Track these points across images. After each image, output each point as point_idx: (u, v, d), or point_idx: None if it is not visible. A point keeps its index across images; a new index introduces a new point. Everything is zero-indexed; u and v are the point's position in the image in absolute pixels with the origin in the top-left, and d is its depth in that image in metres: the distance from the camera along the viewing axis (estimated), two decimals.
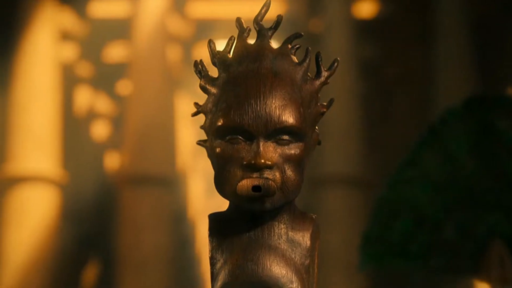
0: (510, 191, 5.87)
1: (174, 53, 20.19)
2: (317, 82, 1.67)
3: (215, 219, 1.44)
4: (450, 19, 17.20)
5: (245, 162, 1.43)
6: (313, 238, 1.51)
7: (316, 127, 1.65)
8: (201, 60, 1.58)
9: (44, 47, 17.19)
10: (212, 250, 1.42)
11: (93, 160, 21.32)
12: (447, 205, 5.95)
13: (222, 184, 1.45)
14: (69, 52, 20.03)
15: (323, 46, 17.42)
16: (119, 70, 20.55)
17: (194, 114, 1.62)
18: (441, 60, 16.84)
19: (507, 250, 5.59)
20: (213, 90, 1.50)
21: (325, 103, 1.74)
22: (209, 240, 1.48)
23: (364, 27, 19.08)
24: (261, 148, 1.45)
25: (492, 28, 18.63)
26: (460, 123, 6.09)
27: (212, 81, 1.52)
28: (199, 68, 1.55)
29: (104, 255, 20.72)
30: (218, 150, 1.45)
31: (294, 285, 1.36)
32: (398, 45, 20.03)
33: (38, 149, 16.74)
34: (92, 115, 22.53)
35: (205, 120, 1.56)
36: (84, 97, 21.89)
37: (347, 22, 17.53)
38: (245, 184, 1.41)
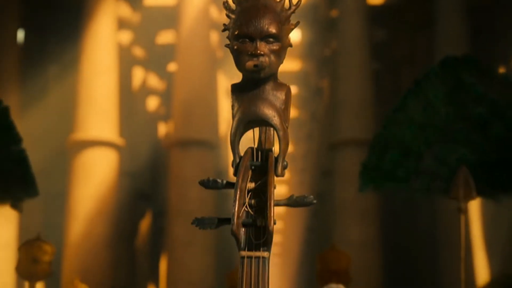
0: (474, 130, 6.40)
1: (215, 37, 20.12)
2: (289, 12, 2.01)
3: (234, 85, 2.01)
4: (449, 5, 16.95)
5: (249, 52, 1.96)
6: (286, 94, 1.99)
7: (289, 36, 2.04)
8: (227, 1, 2.09)
9: (105, 34, 17.18)
10: (233, 101, 1.99)
11: (147, 127, 21.33)
12: (426, 141, 6.49)
13: (238, 65, 1.97)
14: (126, 37, 20.06)
15: (339, 30, 17.56)
16: (168, 52, 20.52)
17: (223, 30, 2.06)
18: (441, 41, 16.51)
19: (470, 175, 6.05)
20: (232, 16, 2.02)
21: (293, 23, 2.06)
22: (231, 97, 2.02)
23: (375, 13, 18.80)
24: (258, 45, 1.96)
25: (485, 12, 18.57)
26: (437, 78, 6.62)
27: (232, 11, 2.04)
28: (226, 5, 2.04)
29: (157, 207, 20.80)
30: (235, 46, 1.97)
31: (275, 118, 1.94)
32: (405, 28, 19.82)
33: (101, 118, 16.79)
34: (145, 90, 22.45)
35: (228, 31, 2.04)
36: (138, 75, 21.86)
37: (360, 9, 17.12)
38: (250, 64, 1.94)
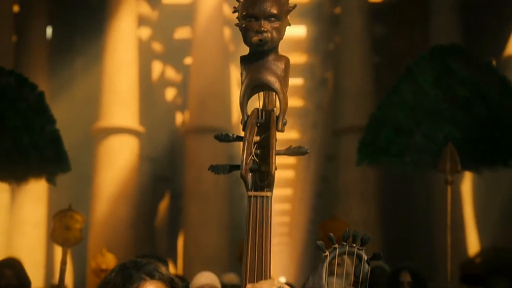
0: (459, 110, 6.54)
1: (228, 32, 20.11)
2: None
3: (243, 57, 2.19)
4: (444, 3, 16.99)
5: (255, 30, 2.12)
6: (285, 64, 2.15)
7: (288, 17, 2.19)
8: None
9: (127, 30, 17.21)
10: (241, 70, 2.17)
11: (165, 116, 21.36)
12: (417, 120, 6.63)
13: (246, 40, 2.13)
14: (145, 33, 20.13)
15: (342, 26, 17.55)
16: (184, 46, 20.69)
17: (234, 12, 2.23)
18: (436, 36, 16.20)
19: (456, 150, 6.25)
20: (242, 1, 2.17)
21: (291, 6, 2.21)
22: (240, 66, 2.19)
23: (375, 10, 18.70)
24: (262, 23, 2.12)
25: (476, 9, 18.55)
26: (427, 64, 6.78)
27: None
28: None
29: (174, 189, 20.88)
30: (243, 25, 2.14)
31: (277, 84, 2.10)
32: (403, 25, 19.76)
33: (123, 108, 16.85)
34: (163, 82, 22.51)
35: (238, 13, 2.20)
36: (157, 68, 21.91)
37: (362, 7, 17.09)
38: (255, 39, 2.11)
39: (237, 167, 2.23)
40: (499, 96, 6.56)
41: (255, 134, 2.21)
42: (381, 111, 6.86)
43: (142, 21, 19.22)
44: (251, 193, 2.19)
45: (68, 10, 19.71)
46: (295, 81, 24.43)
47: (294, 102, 25.24)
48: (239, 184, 17.80)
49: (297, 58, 24.67)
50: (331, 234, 2.34)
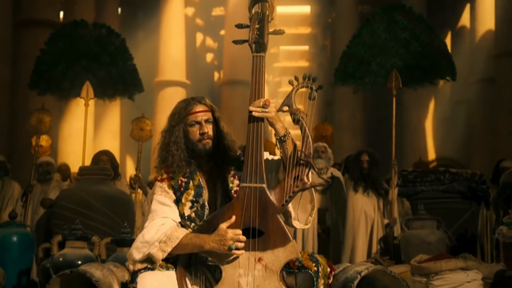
0: (401, 48, 7.25)
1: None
2: None
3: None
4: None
5: None
6: None
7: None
8: None
9: (176, 9, 17.46)
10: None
11: (206, 73, 21.78)
12: (373, 54, 7.33)
13: None
14: (190, 11, 20.40)
15: (337, 4, 17.67)
16: (219, 21, 20.82)
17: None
18: None
19: (399, 74, 6.98)
20: None
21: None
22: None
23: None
24: None
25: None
26: (380, 17, 7.48)
27: None
28: None
29: None
30: None
31: None
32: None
33: (175, 67, 17.24)
34: (204, 48, 22.85)
35: None
36: (199, 38, 22.23)
37: (352, 14, 17.17)
38: None
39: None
40: (427, 38, 7.32)
41: None
42: (349, 49, 7.51)
43: (187, 2, 19.27)
44: (254, 54, 2.77)
45: None
46: (302, 48, 24.78)
47: (302, 63, 25.43)
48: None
49: (303, 30, 24.43)
50: (296, 75, 2.79)
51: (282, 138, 2.63)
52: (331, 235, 6.99)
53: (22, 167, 9.52)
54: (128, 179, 10.08)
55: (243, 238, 2.50)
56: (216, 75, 23.18)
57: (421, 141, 16.42)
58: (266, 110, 2.59)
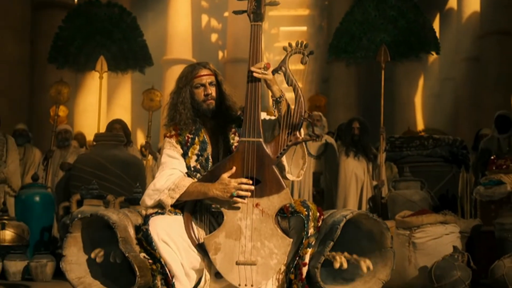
0: (389, 24, 7.33)
1: None
2: None
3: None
4: None
5: None
6: None
7: None
8: None
9: None
10: None
11: (210, 51, 21.51)
12: (364, 30, 7.42)
13: None
14: None
15: (332, 10, 17.64)
16: (223, 4, 20.32)
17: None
18: None
19: (387, 49, 7.08)
20: None
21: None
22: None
23: None
24: None
25: None
26: None
27: None
28: None
29: None
30: None
31: None
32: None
33: (182, 46, 17.29)
34: (209, 29, 22.77)
35: None
36: (204, 19, 22.21)
37: None
38: None
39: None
40: (413, 15, 7.39)
41: None
42: (342, 25, 7.62)
43: None
44: (252, 23, 2.89)
45: None
46: (300, 29, 24.66)
47: None
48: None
49: (301, 11, 24.28)
50: (290, 42, 2.87)
51: (278, 99, 2.74)
52: (325, 197, 7.15)
53: (42, 135, 9.71)
54: (139, 147, 10.19)
55: (246, 186, 2.61)
56: (220, 54, 23.04)
57: (411, 114, 16.56)
58: (266, 72, 2.70)
